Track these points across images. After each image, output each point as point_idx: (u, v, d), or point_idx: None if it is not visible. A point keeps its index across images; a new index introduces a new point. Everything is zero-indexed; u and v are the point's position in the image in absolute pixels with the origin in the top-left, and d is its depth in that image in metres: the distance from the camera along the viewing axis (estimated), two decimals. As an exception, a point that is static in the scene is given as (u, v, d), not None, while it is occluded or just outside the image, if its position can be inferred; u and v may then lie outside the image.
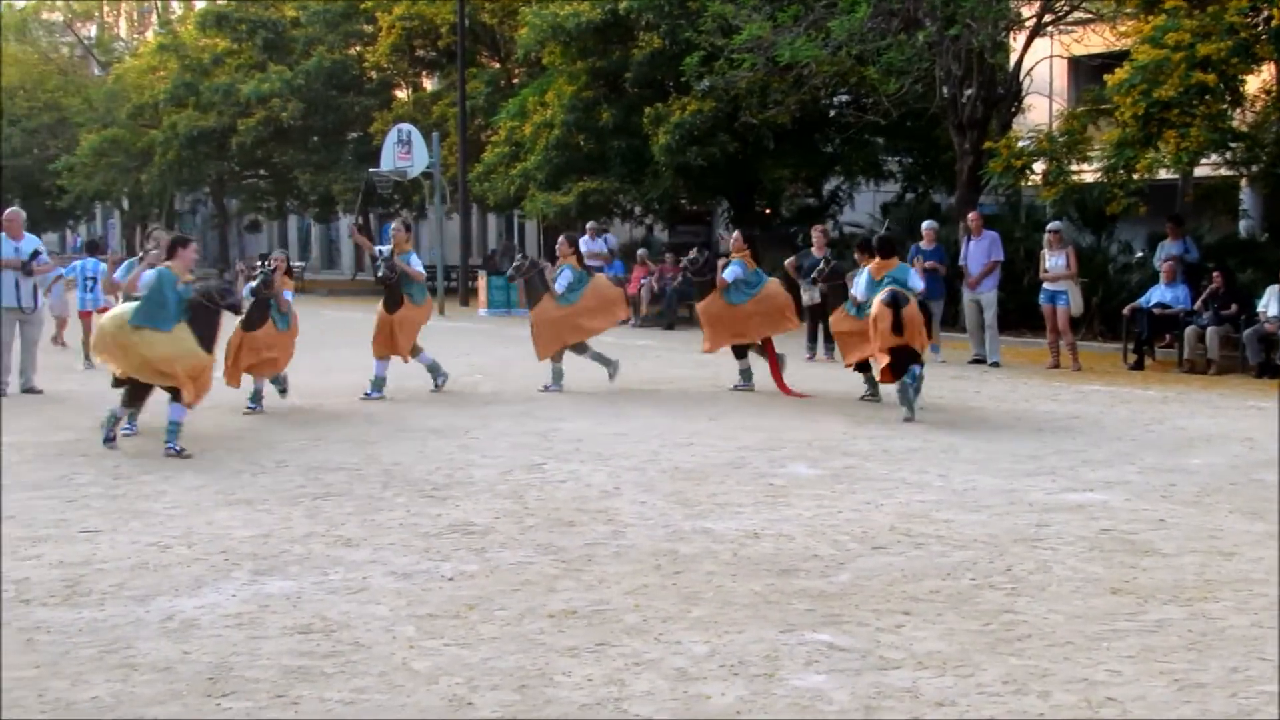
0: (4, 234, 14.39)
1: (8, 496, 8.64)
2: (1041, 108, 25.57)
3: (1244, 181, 22.24)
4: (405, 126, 31.44)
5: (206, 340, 10.39)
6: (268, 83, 39.17)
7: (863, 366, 13.51)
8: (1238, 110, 18.28)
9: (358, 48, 40.67)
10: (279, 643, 5.54)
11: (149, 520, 7.93)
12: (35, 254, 14.32)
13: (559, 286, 14.28)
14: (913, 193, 28.51)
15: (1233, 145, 18.41)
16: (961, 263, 18.03)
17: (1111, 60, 19.52)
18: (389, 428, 11.70)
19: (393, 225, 14.70)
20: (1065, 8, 21.94)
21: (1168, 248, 18.14)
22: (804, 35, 20.96)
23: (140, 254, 13.74)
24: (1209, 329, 16.47)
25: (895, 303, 11.82)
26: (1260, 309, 16.48)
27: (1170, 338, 17.47)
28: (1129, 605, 6.07)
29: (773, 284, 14.72)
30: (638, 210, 30.03)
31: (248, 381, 12.57)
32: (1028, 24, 21.62)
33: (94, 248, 19.69)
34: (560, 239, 15.27)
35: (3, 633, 5.69)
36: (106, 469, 9.68)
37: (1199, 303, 16.98)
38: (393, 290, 13.82)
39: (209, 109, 41.35)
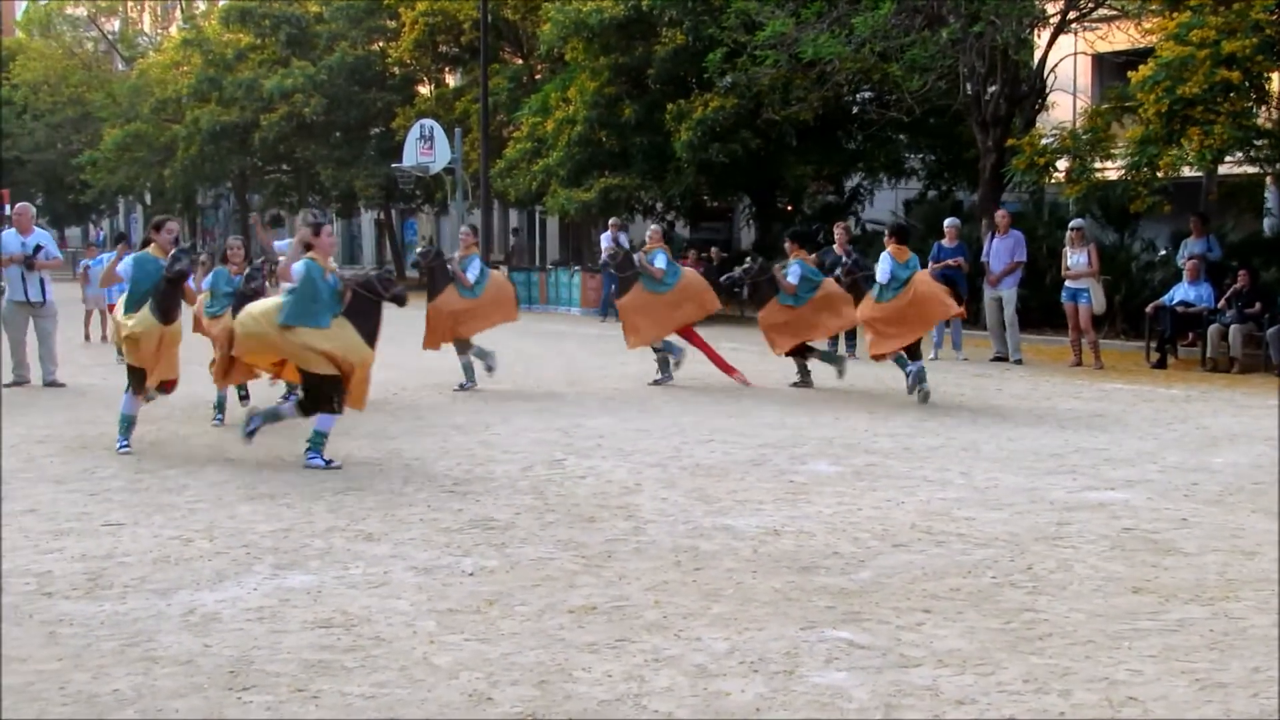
0: (14, 229, 14.51)
1: (32, 489, 8.69)
2: (1065, 105, 25.49)
3: (1269, 180, 22.13)
4: (427, 122, 31.52)
5: (371, 336, 9.74)
6: (290, 78, 39.29)
7: (797, 352, 14.28)
8: (1262, 108, 18.18)
9: (380, 43, 40.77)
10: (300, 637, 5.55)
11: (171, 514, 7.96)
12: (38, 248, 14.43)
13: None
14: (935, 190, 28.44)
15: (1257, 143, 18.30)
16: (984, 259, 17.99)
17: (1136, 57, 19.40)
18: (410, 423, 11.73)
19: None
20: (1090, 4, 21.85)
21: (1191, 245, 18.05)
22: (827, 32, 20.92)
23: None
24: (1232, 327, 16.38)
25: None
26: (1285, 307, 16.41)
27: (1193, 336, 17.39)
28: (1151, 604, 6.04)
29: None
30: (659, 207, 30.03)
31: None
32: (1052, 21, 21.53)
33: (121, 239, 19.79)
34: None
35: (24, 626, 5.72)
36: (129, 463, 9.73)
37: (1222, 301, 16.90)
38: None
39: (232, 104, 41.49)
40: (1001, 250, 17.64)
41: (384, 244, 46.55)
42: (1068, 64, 23.75)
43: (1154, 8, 19.00)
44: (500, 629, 5.66)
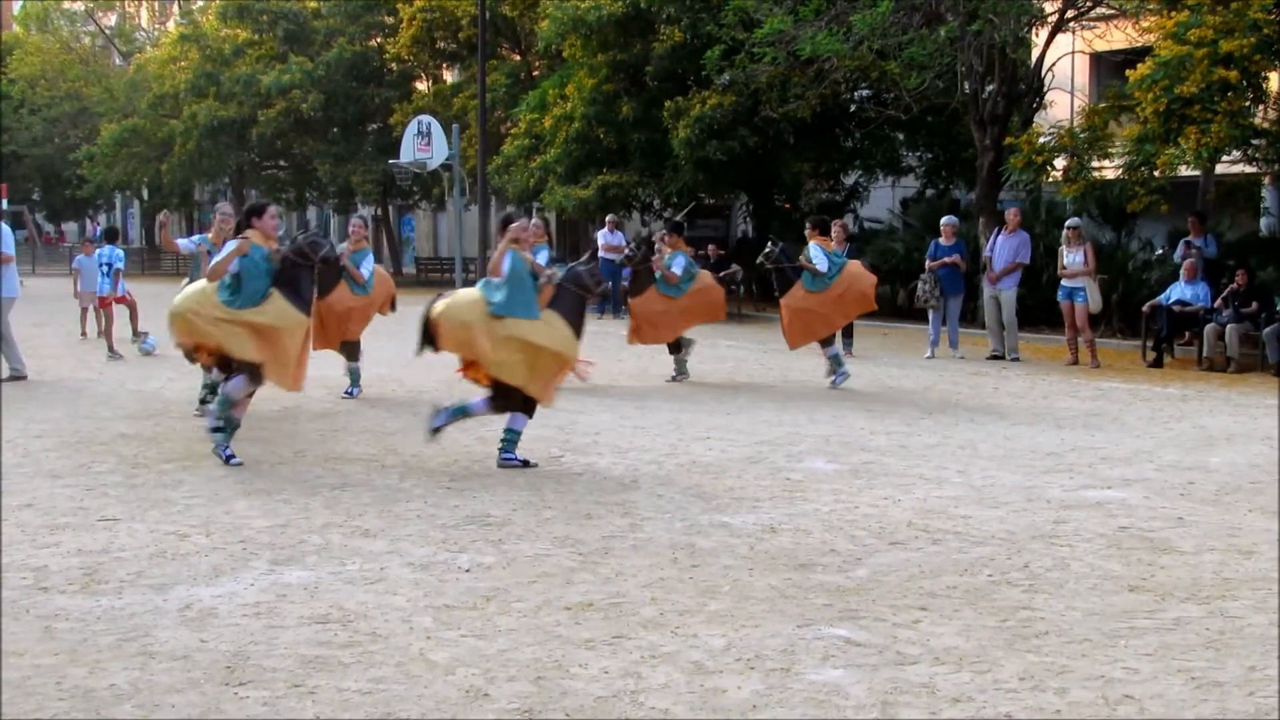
0: None
1: (29, 484, 8.69)
2: (1063, 104, 25.51)
3: (1266, 179, 22.15)
4: (425, 118, 31.46)
5: (579, 329, 9.58)
6: (288, 74, 39.29)
7: (674, 347, 14.72)
8: (1260, 107, 18.19)
9: (378, 39, 40.79)
10: (296, 632, 5.55)
11: (168, 509, 7.96)
12: None
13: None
14: (933, 188, 28.46)
15: (1255, 142, 18.32)
16: (987, 254, 18.00)
17: (1134, 56, 19.43)
18: (408, 419, 11.72)
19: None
20: (1088, 3, 21.87)
21: (1193, 243, 18.07)
22: (825, 30, 20.93)
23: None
24: (1229, 327, 16.40)
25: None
26: (1281, 307, 16.43)
27: (1190, 335, 17.41)
28: (1147, 603, 6.05)
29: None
30: (657, 204, 30.04)
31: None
32: (1050, 19, 21.55)
33: (112, 235, 19.70)
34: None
35: (21, 621, 5.72)
36: (126, 458, 9.72)
37: (1219, 300, 16.91)
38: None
39: (229, 100, 41.49)
40: (1006, 248, 17.64)
41: (381, 240, 46.55)
42: (1065, 63, 23.77)
43: (1152, 7, 19.02)
44: (497, 625, 5.66)
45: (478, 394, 9.59)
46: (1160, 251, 20.92)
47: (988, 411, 12.56)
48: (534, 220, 14.68)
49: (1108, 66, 26.34)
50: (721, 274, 16.53)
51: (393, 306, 14.02)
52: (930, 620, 5.75)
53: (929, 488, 8.75)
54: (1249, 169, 20.42)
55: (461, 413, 9.56)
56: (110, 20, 57.65)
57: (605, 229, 27.10)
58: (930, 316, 18.07)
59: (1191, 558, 6.91)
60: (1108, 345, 18.50)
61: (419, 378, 14.40)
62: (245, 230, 9.41)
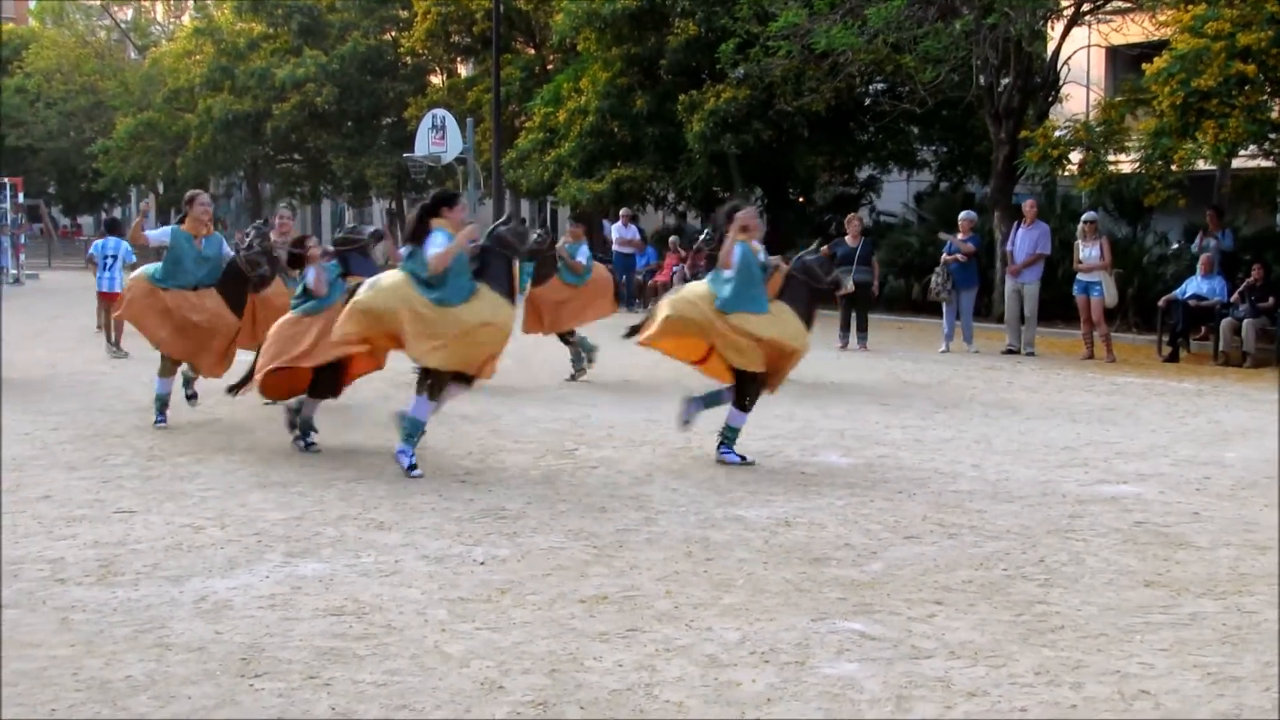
0: None
1: (45, 476, 8.72)
2: (1079, 97, 25.39)
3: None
4: (440, 112, 31.49)
5: (810, 320, 9.42)
6: (303, 67, 39.33)
7: (564, 339, 14.34)
8: (1278, 101, 18.10)
9: (393, 33, 40.79)
10: (311, 624, 5.56)
11: (183, 502, 7.98)
12: None
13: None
14: (947, 182, 28.39)
15: (1272, 136, 18.22)
16: (1008, 248, 17.97)
17: (1150, 50, 19.34)
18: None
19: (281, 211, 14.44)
20: (1104, -4, 21.78)
21: (1217, 238, 18.00)
22: (840, 23, 20.87)
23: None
24: (1245, 321, 16.34)
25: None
26: (1297, 302, 16.36)
27: (1206, 330, 17.34)
28: (1163, 598, 6.03)
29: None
30: (671, 197, 30.00)
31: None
32: (1066, 12, 21.46)
33: (114, 227, 19.34)
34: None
35: (37, 612, 5.74)
36: (141, 450, 9.75)
37: (1235, 295, 16.85)
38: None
39: (244, 93, 41.53)
40: (1026, 241, 17.59)
41: (396, 233, 46.57)
42: (1081, 56, 23.68)
43: (1168, 0, 18.93)
44: (512, 618, 5.67)
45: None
46: (1176, 246, 20.83)
47: (1002, 406, 12.53)
48: (282, 209, 14.70)
49: (1124, 60, 26.21)
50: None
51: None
52: (945, 614, 5.74)
53: (943, 482, 8.73)
54: (1266, 163, 20.30)
55: (713, 400, 9.50)
56: (126, 14, 57.71)
57: (619, 222, 27.09)
58: (944, 310, 18.03)
59: (1207, 553, 6.89)
60: (1123, 340, 18.44)
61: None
62: (433, 220, 8.80)
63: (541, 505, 7.91)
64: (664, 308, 9.40)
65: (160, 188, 53.58)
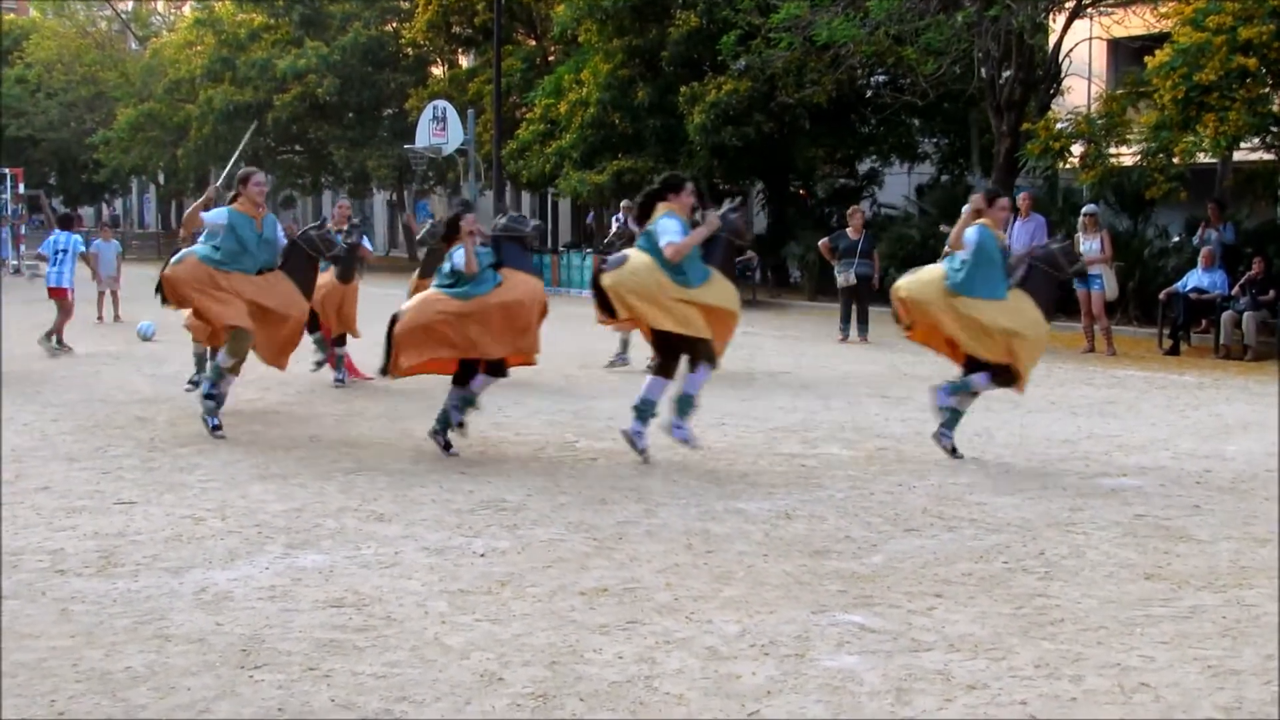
0: None
1: (45, 467, 8.72)
2: (1080, 90, 25.37)
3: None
4: (441, 103, 31.50)
5: (1050, 311, 9.20)
6: (304, 59, 39.30)
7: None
8: (1278, 94, 18.09)
9: (394, 24, 40.78)
10: (311, 616, 5.56)
11: (183, 493, 7.98)
12: None
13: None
14: (949, 175, 28.37)
15: (1274, 130, 18.21)
16: (1007, 242, 17.94)
17: (1152, 42, 19.32)
18: (423, 404, 11.72)
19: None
20: (1106, -11, 21.76)
21: (1218, 231, 17.99)
22: (842, 15, 20.86)
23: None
24: (1246, 314, 16.34)
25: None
26: (1298, 295, 16.36)
27: (1207, 323, 17.34)
28: (1163, 591, 6.03)
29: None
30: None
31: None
32: (1067, 5, 21.43)
33: (68, 221, 18.69)
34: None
35: (37, 603, 5.74)
36: (142, 441, 9.75)
37: (1236, 288, 16.84)
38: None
39: (245, 84, 41.51)
40: (1023, 234, 17.57)
41: (396, 225, 46.60)
42: (1083, 49, 23.64)
43: (1170, -8, 18.93)
44: (512, 610, 5.66)
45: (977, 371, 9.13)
46: (1177, 239, 20.82)
47: (1003, 399, 12.48)
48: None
49: (1125, 53, 26.19)
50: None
51: None
52: (945, 607, 5.74)
53: (944, 474, 8.73)
54: (1267, 156, 20.29)
55: (964, 388, 9.24)
56: (126, 5, 57.68)
57: (620, 214, 27.07)
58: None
59: (1208, 546, 6.89)
60: (1124, 333, 18.43)
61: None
62: (660, 204, 8.93)
63: (542, 497, 7.91)
64: (901, 290, 9.22)
65: (161, 179, 53.59)
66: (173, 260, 10.17)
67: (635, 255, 8.94)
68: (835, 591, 5.97)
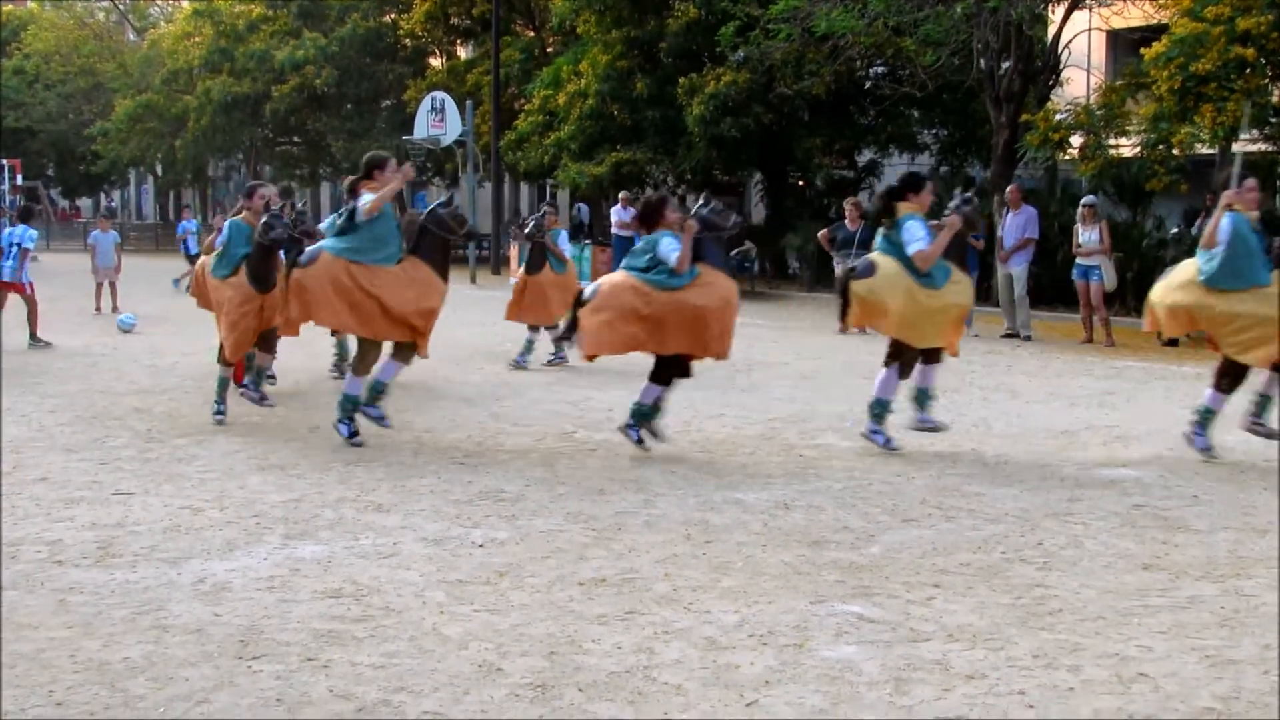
0: None
1: (43, 458, 8.71)
2: (1079, 81, 25.36)
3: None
4: (439, 94, 31.43)
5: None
6: (302, 50, 39.27)
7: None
8: (1277, 85, 18.07)
9: (392, 15, 40.70)
10: (310, 606, 5.56)
11: (181, 484, 7.98)
12: None
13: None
14: (948, 166, 28.35)
15: (1272, 120, 18.20)
16: (999, 235, 17.97)
17: (1150, 33, 19.33)
18: (421, 395, 11.73)
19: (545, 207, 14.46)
20: (1104, -20, 21.74)
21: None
22: (841, 6, 20.85)
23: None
24: (1245, 306, 16.30)
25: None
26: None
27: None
28: (1161, 581, 6.03)
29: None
30: (670, 181, 29.95)
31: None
32: (1066, -4, 21.42)
33: (27, 214, 18.22)
34: (546, 207, 14.65)
35: (36, 594, 5.74)
36: (140, 432, 9.74)
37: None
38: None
39: (243, 76, 41.47)
40: (1013, 226, 17.59)
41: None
42: (1082, 40, 23.63)
43: (1169, -16, 18.89)
44: (510, 600, 5.67)
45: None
46: (1176, 230, 20.80)
47: (1001, 389, 12.52)
48: (546, 206, 14.54)
49: (1124, 44, 26.20)
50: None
51: None
52: (944, 597, 5.74)
53: (943, 465, 8.73)
54: (1265, 146, 20.28)
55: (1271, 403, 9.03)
56: (125, -5, 57.65)
57: (619, 205, 27.07)
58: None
59: (1206, 536, 6.89)
60: (1123, 324, 18.40)
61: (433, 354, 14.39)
62: (900, 205, 8.99)
63: (540, 488, 7.91)
64: (1161, 299, 9.00)
65: (159, 170, 53.55)
66: (305, 260, 9.16)
67: (883, 261, 8.98)
68: (833, 582, 5.97)
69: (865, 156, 29.85)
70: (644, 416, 9.04)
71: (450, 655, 4.99)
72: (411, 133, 31.75)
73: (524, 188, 43.26)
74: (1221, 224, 8.62)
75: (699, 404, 11.28)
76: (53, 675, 4.76)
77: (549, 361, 13.92)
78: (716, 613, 5.51)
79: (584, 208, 35.95)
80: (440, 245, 9.47)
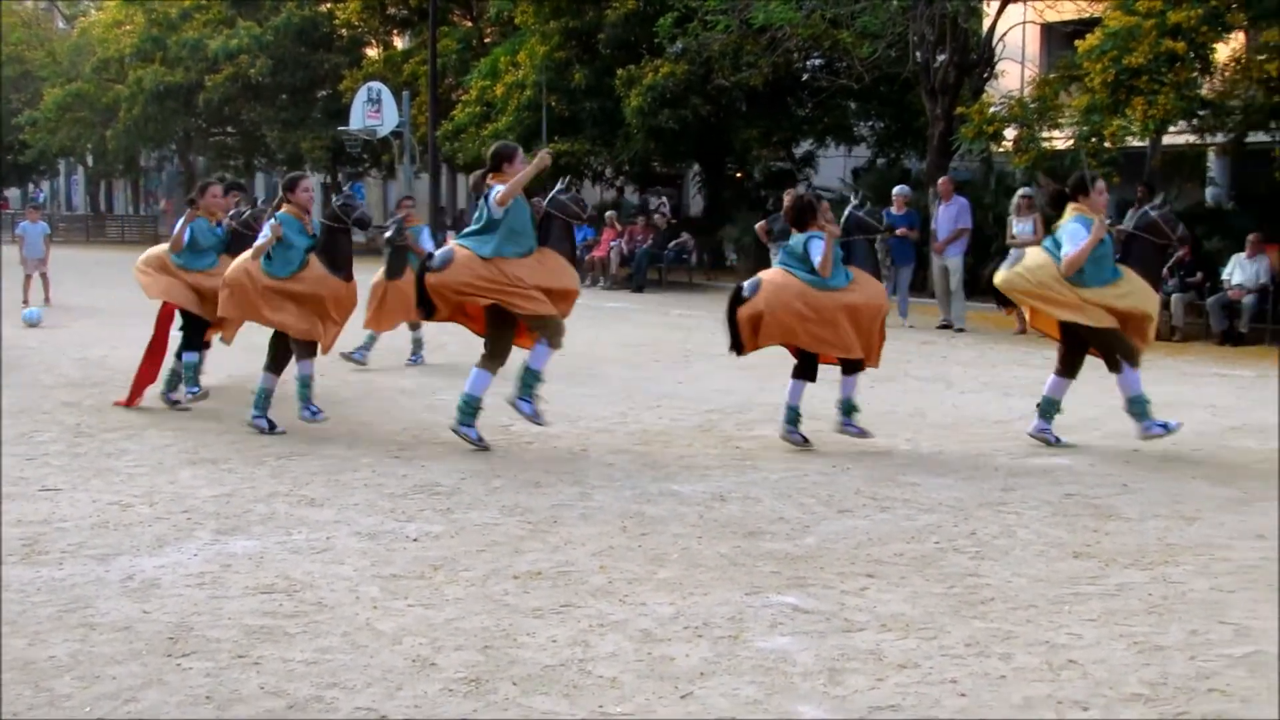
0: None
1: (-32, 454, 8.57)
2: (1014, 74, 25.55)
3: (1211, 150, 22.31)
4: (375, 85, 31.23)
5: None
6: (236, 39, 38.80)
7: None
8: (1206, 78, 18.31)
9: (328, 4, 40.35)
10: (241, 602, 5.50)
11: (110, 479, 7.87)
12: None
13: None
14: (884, 158, 28.51)
15: (1201, 113, 18.45)
16: (933, 227, 18.09)
17: (1084, 27, 19.50)
18: (358, 388, 11.65)
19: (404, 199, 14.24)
20: (1038, -27, 21.92)
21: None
22: (778, -2, 20.88)
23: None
24: (1174, 296, 16.54)
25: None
26: (1225, 277, 16.58)
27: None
28: (1091, 569, 6.10)
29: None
30: (609, 172, 29.93)
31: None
32: (1001, -11, 21.59)
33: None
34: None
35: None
36: (68, 426, 9.60)
37: (1165, 270, 17.02)
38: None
39: (176, 65, 40.93)
40: (946, 218, 17.73)
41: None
42: (1016, 33, 23.82)
43: (1101, -23, 19.09)
44: (445, 594, 5.63)
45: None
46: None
47: (937, 380, 12.62)
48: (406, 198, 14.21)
49: (1058, 37, 26.41)
50: (671, 243, 16.19)
51: None
52: (878, 587, 5.77)
53: (878, 456, 8.78)
54: (1195, 139, 20.56)
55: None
56: (54, -17, 56.77)
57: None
58: (881, 285, 18.10)
59: (1136, 524, 6.97)
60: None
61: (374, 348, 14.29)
62: (1070, 205, 9.09)
63: (476, 481, 7.88)
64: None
65: (89, 160, 52.79)
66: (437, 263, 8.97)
67: (1033, 252, 9.21)
68: (769, 573, 5.99)
69: (802, 148, 29.97)
70: (797, 416, 9.12)
71: (384, 650, 4.95)
72: (347, 123, 31.52)
73: (461, 179, 43.05)
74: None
75: (636, 395, 11.28)
76: (-24, 675, 4.68)
77: (410, 362, 13.49)
78: (652, 605, 5.50)
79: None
80: (566, 231, 9.39)
